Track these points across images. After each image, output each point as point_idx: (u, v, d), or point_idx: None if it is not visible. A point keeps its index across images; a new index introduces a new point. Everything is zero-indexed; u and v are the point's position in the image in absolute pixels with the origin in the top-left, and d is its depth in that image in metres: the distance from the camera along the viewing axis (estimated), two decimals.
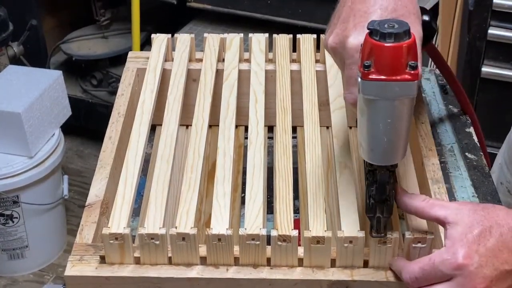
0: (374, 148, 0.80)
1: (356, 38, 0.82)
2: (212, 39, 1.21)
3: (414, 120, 1.08)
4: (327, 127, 1.16)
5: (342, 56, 0.84)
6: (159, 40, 1.19)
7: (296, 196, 1.06)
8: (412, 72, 0.74)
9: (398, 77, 0.74)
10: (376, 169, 0.82)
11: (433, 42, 1.14)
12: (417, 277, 0.81)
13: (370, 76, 0.75)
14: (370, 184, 0.83)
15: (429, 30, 1.11)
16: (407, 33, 0.75)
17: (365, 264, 0.88)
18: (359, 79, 0.75)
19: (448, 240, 0.80)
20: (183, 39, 1.20)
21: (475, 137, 1.20)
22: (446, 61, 2.29)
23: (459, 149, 1.16)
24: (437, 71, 1.32)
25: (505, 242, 0.78)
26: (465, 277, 0.78)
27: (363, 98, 0.77)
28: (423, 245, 0.86)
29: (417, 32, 0.83)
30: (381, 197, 0.83)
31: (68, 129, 2.44)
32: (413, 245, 0.86)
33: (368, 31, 0.75)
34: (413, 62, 0.74)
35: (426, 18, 1.11)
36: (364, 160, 0.84)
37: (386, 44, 0.74)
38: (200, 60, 1.19)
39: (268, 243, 0.88)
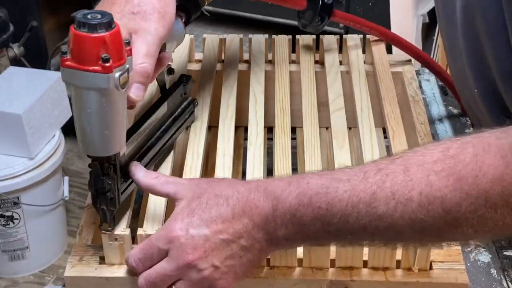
0: (81, 138, 0.81)
1: None
2: (212, 40, 1.21)
3: (414, 121, 1.08)
4: (327, 128, 1.16)
5: None
6: None
7: None
8: (104, 64, 0.74)
9: (89, 68, 0.74)
10: (95, 160, 0.83)
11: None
12: (139, 258, 0.82)
13: (65, 63, 0.75)
14: (90, 174, 0.85)
15: (322, 7, 1.16)
16: (105, 26, 0.74)
17: (364, 265, 0.88)
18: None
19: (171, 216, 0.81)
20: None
21: None
22: (446, 65, 2.30)
23: None
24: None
25: (219, 212, 0.78)
26: (177, 249, 0.78)
27: (68, 86, 0.78)
28: None
29: (154, 29, 0.85)
30: (100, 188, 0.84)
31: (68, 130, 2.43)
32: None
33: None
34: (106, 55, 0.74)
35: None
36: None
37: (77, 33, 0.74)
38: (200, 61, 1.19)
39: None
